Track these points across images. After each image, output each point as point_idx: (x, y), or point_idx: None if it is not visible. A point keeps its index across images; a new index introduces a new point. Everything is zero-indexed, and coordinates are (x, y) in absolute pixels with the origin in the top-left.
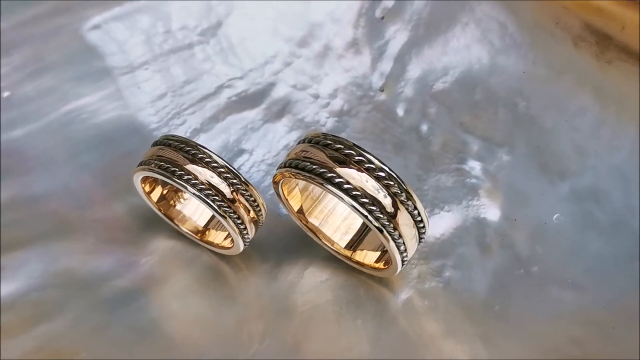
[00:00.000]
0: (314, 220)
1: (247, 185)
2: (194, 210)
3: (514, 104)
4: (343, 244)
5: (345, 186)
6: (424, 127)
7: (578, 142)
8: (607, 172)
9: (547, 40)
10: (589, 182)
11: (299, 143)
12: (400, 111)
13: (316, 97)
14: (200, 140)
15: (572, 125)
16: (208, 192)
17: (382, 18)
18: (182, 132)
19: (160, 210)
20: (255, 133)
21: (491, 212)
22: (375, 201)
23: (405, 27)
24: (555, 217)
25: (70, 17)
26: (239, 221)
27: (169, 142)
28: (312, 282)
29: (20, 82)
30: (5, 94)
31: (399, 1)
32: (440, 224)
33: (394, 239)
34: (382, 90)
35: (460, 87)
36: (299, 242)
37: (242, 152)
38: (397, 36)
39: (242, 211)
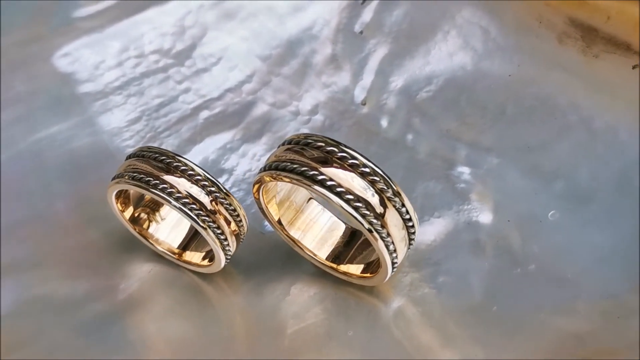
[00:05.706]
0: (295, 232)
1: (228, 195)
2: (168, 233)
3: (501, 108)
4: (327, 255)
5: (329, 183)
6: (409, 137)
7: (570, 139)
8: (601, 166)
9: (531, 41)
10: (584, 178)
11: (279, 146)
12: (384, 123)
13: (296, 114)
14: None
15: (563, 122)
16: (186, 201)
17: (361, 32)
18: None
19: (135, 230)
20: (235, 153)
21: (483, 215)
22: (361, 199)
23: (385, 39)
24: (550, 214)
25: (39, 46)
26: (219, 231)
27: (143, 153)
28: (299, 298)
29: None
30: None
31: (377, 14)
32: (431, 230)
33: (382, 238)
34: (363, 103)
35: (445, 95)
36: (284, 259)
37: (222, 172)
38: (377, 49)
39: (222, 222)
